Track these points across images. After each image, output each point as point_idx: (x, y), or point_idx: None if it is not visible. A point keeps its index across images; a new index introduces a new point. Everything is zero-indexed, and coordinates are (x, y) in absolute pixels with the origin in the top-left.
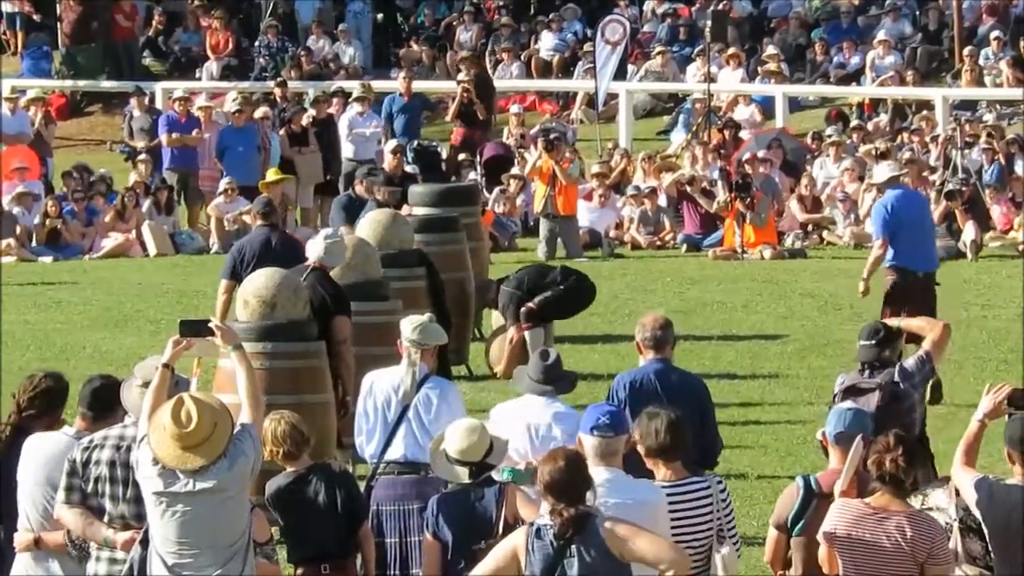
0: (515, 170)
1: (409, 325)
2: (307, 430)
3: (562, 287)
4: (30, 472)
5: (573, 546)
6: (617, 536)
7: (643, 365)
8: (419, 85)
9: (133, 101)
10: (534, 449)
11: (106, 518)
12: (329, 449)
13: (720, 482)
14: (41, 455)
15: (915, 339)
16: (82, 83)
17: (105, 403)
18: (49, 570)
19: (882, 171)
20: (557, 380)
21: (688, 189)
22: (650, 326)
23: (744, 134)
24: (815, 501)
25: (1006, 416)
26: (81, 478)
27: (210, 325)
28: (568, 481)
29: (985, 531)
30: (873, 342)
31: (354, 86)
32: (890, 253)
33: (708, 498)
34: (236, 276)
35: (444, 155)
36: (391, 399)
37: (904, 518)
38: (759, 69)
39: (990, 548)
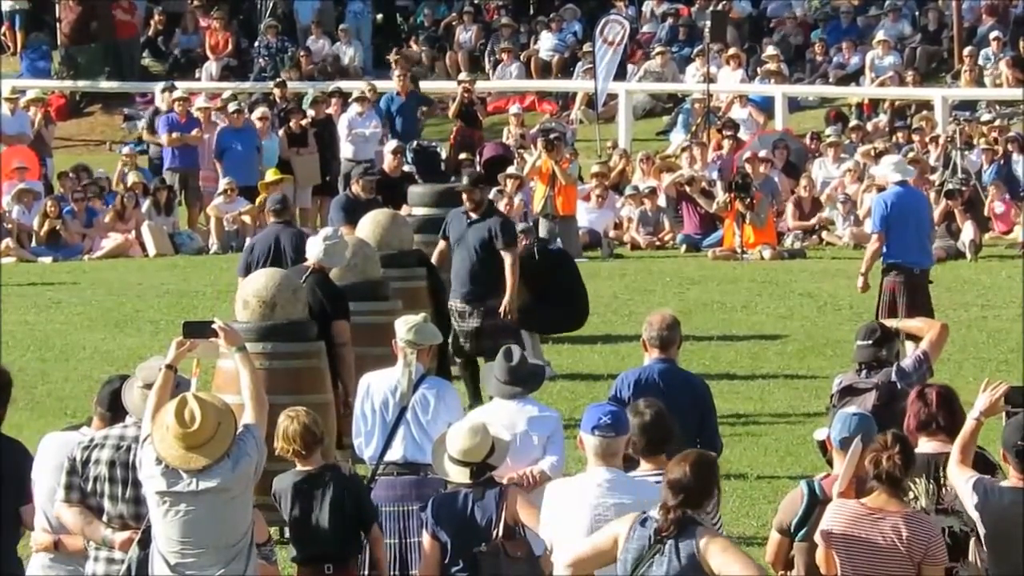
0: (512, 169)
1: (404, 325)
2: (320, 431)
3: (562, 305)
4: (46, 473)
5: (667, 545)
6: (713, 552)
7: (648, 364)
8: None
9: (164, 95)
10: (513, 458)
11: (105, 518)
12: (329, 449)
13: None
14: (57, 456)
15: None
16: (82, 83)
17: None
18: (68, 571)
19: (890, 169)
20: (525, 380)
21: (687, 189)
22: (657, 325)
23: (744, 135)
24: (819, 508)
25: (1003, 415)
26: (80, 477)
27: (213, 327)
28: (689, 485)
29: (981, 532)
30: (870, 342)
31: (356, 86)
32: (885, 250)
33: None
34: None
35: (444, 155)
36: (388, 400)
37: (900, 518)
38: (759, 69)
39: (984, 547)
